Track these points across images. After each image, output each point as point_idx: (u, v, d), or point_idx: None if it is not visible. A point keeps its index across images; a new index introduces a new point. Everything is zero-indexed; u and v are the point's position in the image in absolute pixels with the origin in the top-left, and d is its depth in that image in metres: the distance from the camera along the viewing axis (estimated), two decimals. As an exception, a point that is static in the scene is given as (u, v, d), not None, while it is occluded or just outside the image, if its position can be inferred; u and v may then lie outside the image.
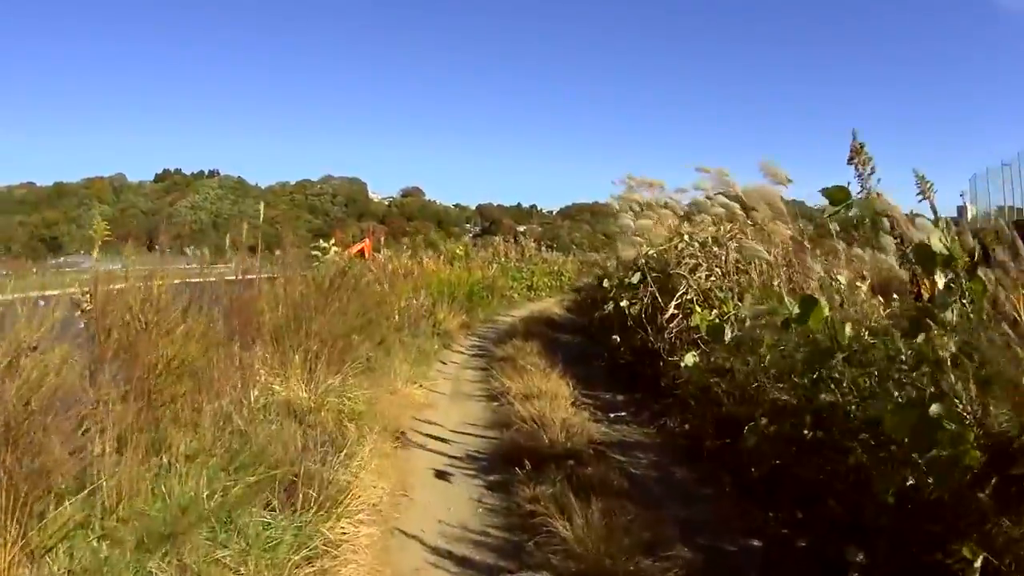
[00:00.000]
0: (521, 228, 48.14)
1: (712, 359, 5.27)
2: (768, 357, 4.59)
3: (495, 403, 5.94)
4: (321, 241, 11.52)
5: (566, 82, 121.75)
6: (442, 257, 13.75)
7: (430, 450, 4.76)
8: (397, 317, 7.51)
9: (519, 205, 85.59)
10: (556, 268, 19.87)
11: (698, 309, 5.80)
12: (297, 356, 4.69)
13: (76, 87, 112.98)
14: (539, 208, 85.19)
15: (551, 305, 13.76)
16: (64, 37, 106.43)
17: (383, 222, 68.24)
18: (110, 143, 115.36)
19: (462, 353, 8.66)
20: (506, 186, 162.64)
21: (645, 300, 6.29)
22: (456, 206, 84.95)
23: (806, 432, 4.07)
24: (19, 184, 79.07)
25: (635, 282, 7.00)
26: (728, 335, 5.25)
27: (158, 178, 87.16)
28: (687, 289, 5.95)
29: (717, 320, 5.67)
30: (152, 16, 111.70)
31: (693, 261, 6.42)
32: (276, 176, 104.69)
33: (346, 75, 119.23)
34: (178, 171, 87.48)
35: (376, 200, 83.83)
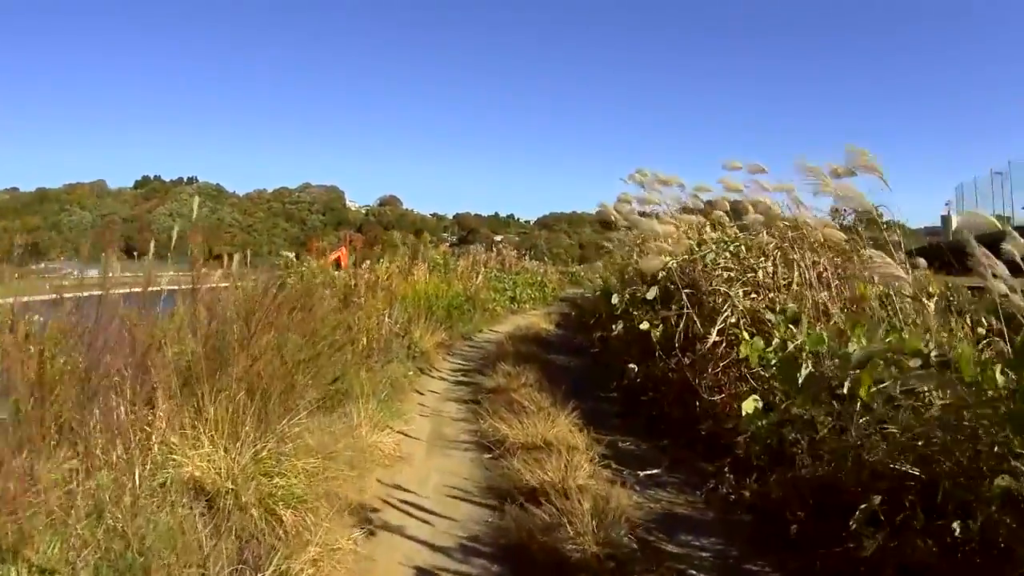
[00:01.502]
0: (498, 237, 46.77)
1: (782, 404, 3.92)
2: (879, 410, 3.29)
3: (488, 455, 4.46)
4: (283, 252, 9.98)
5: (543, 92, 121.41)
6: (424, 265, 12.14)
7: (404, 535, 3.28)
8: (364, 340, 6.01)
9: (496, 214, 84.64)
10: (539, 278, 18.41)
11: (745, 336, 4.43)
12: (214, 409, 3.18)
13: (60, 95, 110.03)
14: (516, 217, 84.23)
15: (538, 320, 12.25)
16: (45, 46, 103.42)
17: (360, 231, 66.70)
18: (92, 150, 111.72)
19: (443, 380, 7.14)
20: (483, 195, 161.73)
21: (677, 322, 4.88)
22: (434, 215, 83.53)
23: (956, 526, 2.77)
24: (3, 190, 76.98)
25: (650, 298, 5.62)
26: (802, 373, 3.92)
27: (138, 184, 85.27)
28: (731, 309, 4.55)
29: (776, 352, 4.32)
30: (135, 25, 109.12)
31: (727, 274, 5.05)
32: (254, 183, 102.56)
33: (326, 84, 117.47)
34: (157, 178, 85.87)
35: (354, 209, 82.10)
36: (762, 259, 4.79)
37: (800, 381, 3.81)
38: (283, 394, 3.66)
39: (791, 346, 4.25)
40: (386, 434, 4.56)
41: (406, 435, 4.98)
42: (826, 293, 4.99)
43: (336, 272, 9.42)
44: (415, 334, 7.69)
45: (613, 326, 6.10)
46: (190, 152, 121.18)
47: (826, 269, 5.09)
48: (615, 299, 6.05)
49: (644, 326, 5.10)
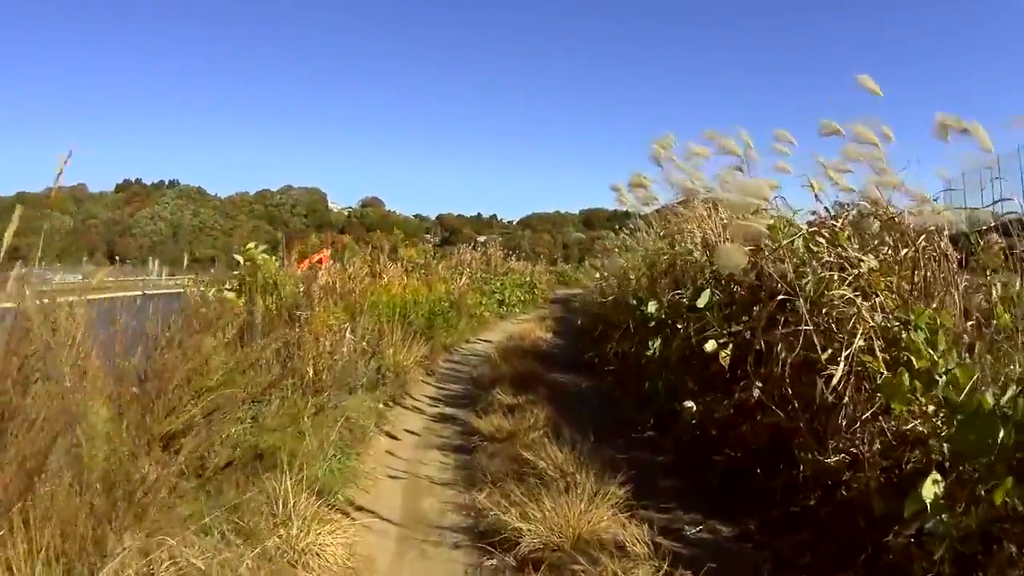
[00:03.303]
0: (482, 238, 45.06)
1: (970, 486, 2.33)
2: None
3: (490, 561, 2.80)
4: (249, 244, 7.60)
5: (526, 92, 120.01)
6: (399, 265, 10.24)
7: None
8: (311, 371, 4.31)
9: (479, 215, 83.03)
10: (528, 279, 16.73)
11: (882, 366, 2.82)
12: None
13: (39, 97, 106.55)
14: (499, 218, 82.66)
15: (532, 326, 10.53)
16: (25, 48, 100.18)
17: (343, 232, 64.84)
18: (73, 153, 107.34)
19: (421, 412, 5.41)
20: (466, 196, 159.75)
21: (755, 343, 3.25)
22: (416, 216, 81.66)
23: None
24: (-18, 194, 74.22)
25: (701, 305, 3.99)
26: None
27: (119, 188, 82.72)
28: (858, 324, 2.92)
29: (940, 395, 2.72)
30: (113, 26, 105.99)
31: (826, 273, 3.43)
32: (236, 186, 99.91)
33: (306, 85, 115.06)
34: (138, 181, 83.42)
35: (336, 210, 79.95)
36: (899, 248, 3.17)
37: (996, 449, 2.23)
38: (140, 497, 1.96)
39: (941, 382, 2.65)
40: (332, 526, 2.85)
41: (365, 512, 3.29)
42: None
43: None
44: (387, 352, 5.98)
45: (651, 341, 4.46)
46: (171, 154, 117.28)
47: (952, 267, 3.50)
48: (652, 307, 4.41)
49: (709, 346, 3.45)
